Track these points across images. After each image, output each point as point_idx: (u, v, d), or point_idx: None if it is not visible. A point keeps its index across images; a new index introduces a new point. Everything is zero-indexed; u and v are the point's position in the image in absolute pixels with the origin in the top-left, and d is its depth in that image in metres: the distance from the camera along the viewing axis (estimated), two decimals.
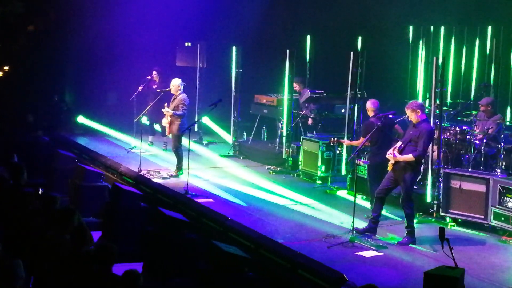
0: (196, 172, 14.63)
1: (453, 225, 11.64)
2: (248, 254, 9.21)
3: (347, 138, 13.76)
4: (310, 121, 16.08)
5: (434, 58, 12.59)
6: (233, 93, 17.46)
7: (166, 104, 14.38)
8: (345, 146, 14.31)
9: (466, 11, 16.88)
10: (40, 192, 11.03)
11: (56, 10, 19.41)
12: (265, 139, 17.70)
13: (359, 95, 14.10)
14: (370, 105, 11.95)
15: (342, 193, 13.59)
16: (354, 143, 12.71)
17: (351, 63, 13.95)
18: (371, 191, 11.94)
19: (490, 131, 12.69)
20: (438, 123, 12.27)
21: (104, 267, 7.09)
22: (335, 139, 12.77)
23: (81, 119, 19.28)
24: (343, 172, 14.36)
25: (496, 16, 16.24)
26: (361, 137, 12.08)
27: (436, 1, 17.21)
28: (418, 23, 17.60)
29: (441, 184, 11.91)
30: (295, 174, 15.06)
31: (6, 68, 19.81)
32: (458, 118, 13.97)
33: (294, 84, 16.22)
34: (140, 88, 16.81)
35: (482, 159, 12.49)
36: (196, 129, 18.27)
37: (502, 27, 16.26)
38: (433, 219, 11.87)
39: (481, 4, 16.32)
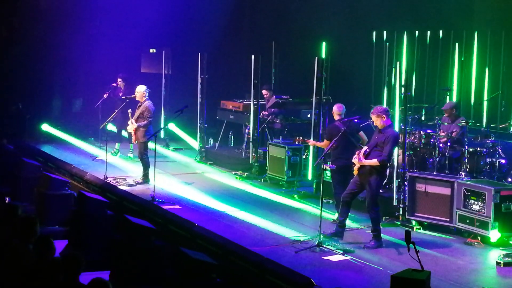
0: (162, 179, 14.55)
1: (419, 228, 11.71)
2: (216, 260, 9.19)
3: None
4: (277, 124, 16.12)
5: (397, 63, 12.69)
6: (199, 99, 17.39)
7: (130, 111, 14.34)
8: (311, 151, 14.36)
9: (428, 16, 17.09)
10: (6, 201, 10.91)
11: (20, 17, 19.21)
12: (232, 145, 17.66)
13: (324, 100, 14.16)
14: (335, 109, 12.03)
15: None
16: (319, 144, 12.72)
17: (315, 68, 14.01)
18: (335, 195, 12.02)
19: (454, 134, 12.81)
20: (403, 127, 12.36)
21: (71, 277, 7.02)
22: (301, 138, 12.75)
23: (45, 127, 19.08)
24: (309, 177, 14.41)
25: (458, 22, 16.45)
26: (325, 140, 12.14)
27: (399, 7, 17.38)
28: (382, 28, 17.76)
29: (407, 188, 11.99)
30: (262, 179, 15.06)
31: None
32: (422, 122, 14.09)
33: (264, 92, 16.32)
34: (105, 95, 16.75)
35: (447, 162, 12.61)
36: (162, 136, 18.21)
37: (464, 32, 16.48)
38: (399, 223, 11.94)
39: (443, 10, 16.51)
